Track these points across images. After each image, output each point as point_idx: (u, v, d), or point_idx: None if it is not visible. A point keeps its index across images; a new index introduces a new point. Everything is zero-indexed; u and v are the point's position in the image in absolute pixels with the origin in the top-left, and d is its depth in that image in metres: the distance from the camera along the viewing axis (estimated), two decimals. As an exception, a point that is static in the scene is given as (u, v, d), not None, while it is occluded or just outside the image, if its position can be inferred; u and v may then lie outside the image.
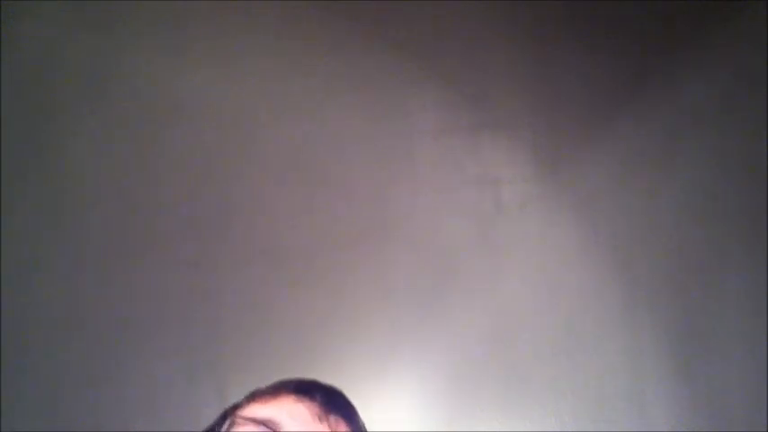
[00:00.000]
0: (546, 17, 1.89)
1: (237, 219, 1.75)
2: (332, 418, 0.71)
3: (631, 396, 1.65)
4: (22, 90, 1.79)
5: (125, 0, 1.86)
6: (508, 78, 1.86)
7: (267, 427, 0.66)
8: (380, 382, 1.67)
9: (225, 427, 0.69)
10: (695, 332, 1.69)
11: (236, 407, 0.73)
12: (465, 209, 1.78)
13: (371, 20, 1.89)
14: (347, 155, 1.81)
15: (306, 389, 0.74)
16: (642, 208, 1.78)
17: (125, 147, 1.78)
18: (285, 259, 1.73)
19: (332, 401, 0.74)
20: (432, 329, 1.70)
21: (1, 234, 1.66)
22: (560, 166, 1.81)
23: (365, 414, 1.65)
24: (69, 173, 1.76)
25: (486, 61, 1.87)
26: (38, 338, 1.60)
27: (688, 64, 1.87)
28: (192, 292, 1.68)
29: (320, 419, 0.70)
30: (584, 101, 1.85)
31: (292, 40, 1.88)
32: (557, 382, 1.66)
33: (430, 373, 1.67)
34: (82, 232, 1.71)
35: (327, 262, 1.72)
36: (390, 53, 1.87)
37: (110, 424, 1.50)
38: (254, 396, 0.74)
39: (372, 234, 1.76)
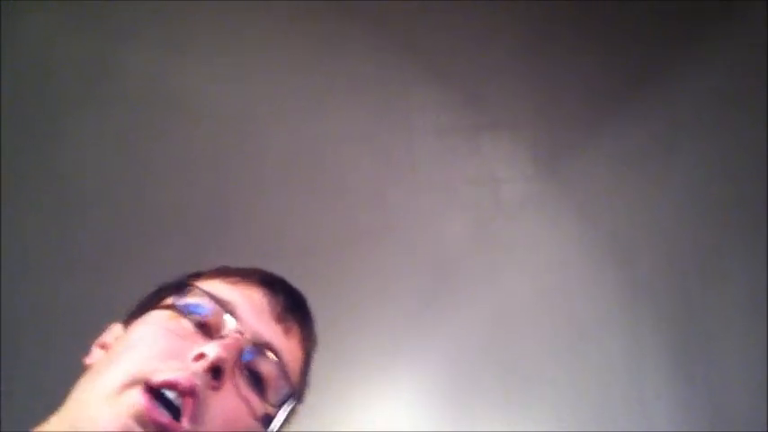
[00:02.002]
0: (546, 17, 1.89)
1: (237, 218, 1.75)
2: (289, 320, 0.68)
3: (631, 396, 1.65)
4: (22, 89, 1.79)
5: (125, 0, 1.86)
6: (508, 78, 1.86)
7: (223, 308, 0.63)
8: (380, 382, 1.67)
9: (180, 295, 0.65)
10: (695, 332, 1.69)
11: (197, 275, 0.70)
12: (465, 209, 1.78)
13: (371, 19, 1.89)
14: (347, 155, 1.81)
15: (273, 284, 0.70)
16: (642, 208, 1.78)
17: (125, 146, 1.78)
18: (285, 259, 1.72)
19: (293, 304, 0.70)
20: (432, 329, 1.70)
21: (1, 234, 1.66)
22: (560, 165, 1.81)
23: (365, 414, 1.65)
24: (69, 173, 1.75)
25: (486, 61, 1.88)
26: (37, 338, 1.60)
27: (688, 64, 1.87)
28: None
29: (277, 320, 0.66)
30: (584, 101, 1.85)
31: (292, 40, 1.88)
32: (557, 381, 1.66)
33: (430, 373, 1.67)
34: (81, 232, 1.71)
35: (327, 262, 1.72)
36: (390, 53, 1.87)
37: (110, 424, 1.50)
38: (220, 272, 0.70)
39: (372, 234, 1.76)
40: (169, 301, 0.66)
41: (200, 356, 0.59)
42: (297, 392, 0.67)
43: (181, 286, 0.67)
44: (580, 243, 1.76)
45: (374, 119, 1.84)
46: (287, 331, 0.67)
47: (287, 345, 0.67)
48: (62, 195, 1.74)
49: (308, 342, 0.72)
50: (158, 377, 0.57)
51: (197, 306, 0.64)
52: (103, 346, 0.68)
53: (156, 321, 0.64)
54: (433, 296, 1.72)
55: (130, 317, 0.68)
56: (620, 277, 1.73)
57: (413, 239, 1.76)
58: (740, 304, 1.70)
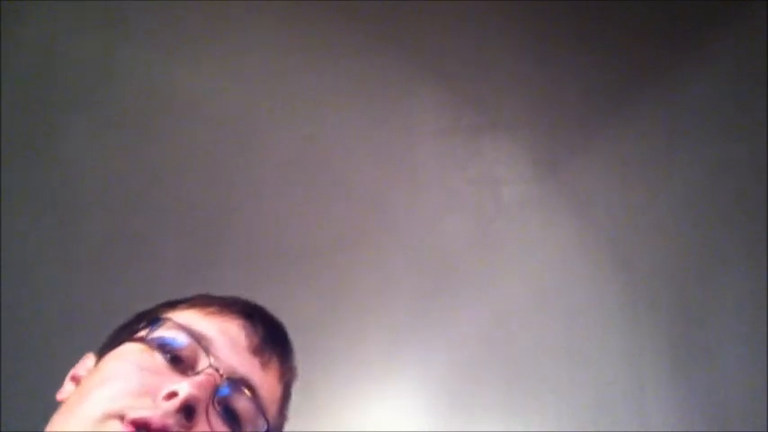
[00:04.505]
0: (546, 17, 1.89)
1: (237, 219, 1.75)
2: (266, 353, 0.66)
3: (631, 396, 1.65)
4: (22, 90, 1.78)
5: (125, 0, 1.86)
6: (508, 78, 1.86)
7: (198, 342, 0.61)
8: (380, 382, 1.67)
9: (154, 327, 0.63)
10: (695, 332, 1.69)
11: (173, 305, 0.68)
12: (465, 209, 1.78)
13: (372, 19, 1.89)
14: (347, 155, 1.81)
15: (251, 314, 0.68)
16: (642, 208, 1.78)
17: (125, 146, 1.78)
18: (285, 259, 1.73)
19: (272, 336, 0.68)
20: (432, 329, 1.70)
21: (1, 234, 1.66)
22: (560, 166, 1.81)
23: (365, 414, 1.65)
24: (69, 173, 1.75)
25: (486, 61, 1.87)
26: (37, 338, 1.60)
27: (688, 64, 1.86)
28: (191, 291, 1.67)
29: (254, 353, 0.64)
30: (584, 101, 1.85)
31: (292, 40, 1.88)
32: (557, 382, 1.66)
33: (430, 373, 1.67)
34: (81, 232, 1.71)
35: (327, 262, 1.72)
36: (390, 53, 1.87)
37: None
38: (197, 302, 0.68)
39: (372, 234, 1.76)
40: (142, 333, 0.64)
41: (172, 395, 0.57)
42: (274, 427, 0.65)
43: (155, 318, 0.65)
44: (580, 244, 1.76)
45: (374, 119, 1.84)
46: (265, 364, 0.65)
47: (264, 378, 0.65)
48: (62, 195, 1.74)
49: (287, 374, 0.69)
50: (130, 415, 0.56)
51: (171, 340, 0.62)
52: (76, 380, 0.66)
53: (128, 356, 0.62)
54: (433, 296, 1.72)
55: (104, 348, 0.67)
56: (620, 277, 1.73)
57: (413, 239, 1.76)
58: (740, 305, 1.70)
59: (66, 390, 0.66)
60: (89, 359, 0.68)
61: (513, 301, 1.72)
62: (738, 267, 1.73)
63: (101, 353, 0.67)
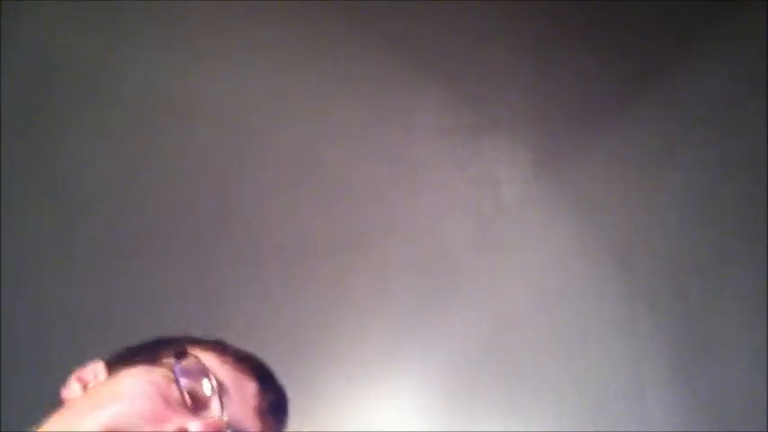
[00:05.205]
0: (546, 17, 1.89)
1: (237, 219, 1.75)
2: (270, 420, 0.67)
3: (631, 396, 1.65)
4: (22, 90, 1.78)
5: (125, 0, 1.86)
6: (508, 78, 1.86)
7: (216, 387, 0.62)
8: (380, 383, 1.67)
9: (179, 359, 0.64)
10: (695, 332, 1.69)
11: (195, 342, 0.69)
12: (465, 209, 1.78)
13: (372, 19, 1.89)
14: (347, 155, 1.81)
15: (265, 381, 0.70)
16: (642, 208, 1.78)
17: (125, 146, 1.78)
18: (285, 259, 1.73)
19: (277, 407, 0.70)
20: (431, 329, 1.70)
21: (1, 234, 1.66)
22: (560, 165, 1.81)
23: (365, 414, 1.65)
24: (69, 173, 1.75)
25: (486, 61, 1.87)
26: (38, 338, 1.60)
27: (688, 64, 1.86)
28: (191, 292, 1.67)
29: (260, 416, 0.66)
30: (584, 101, 1.85)
31: (292, 40, 1.88)
32: (557, 382, 1.66)
33: (430, 373, 1.67)
34: (81, 232, 1.71)
35: (327, 262, 1.72)
36: (390, 53, 1.87)
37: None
38: (220, 348, 0.70)
39: (372, 234, 1.76)
40: (166, 360, 0.65)
41: (182, 431, 0.58)
42: None
43: (180, 350, 0.66)
44: (580, 244, 1.76)
45: (374, 119, 1.84)
46: (265, 429, 0.67)
47: None
48: (62, 195, 1.74)
49: None
50: None
51: (192, 375, 0.63)
52: (83, 383, 0.67)
53: (147, 378, 0.63)
54: (433, 296, 1.72)
55: (117, 361, 0.68)
56: (620, 277, 1.73)
57: (413, 239, 1.76)
58: (740, 304, 1.70)
59: (73, 390, 0.67)
60: (99, 366, 0.68)
61: (513, 301, 1.72)
62: (739, 267, 1.73)
63: (113, 365, 0.68)
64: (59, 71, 1.82)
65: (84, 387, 0.66)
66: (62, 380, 0.69)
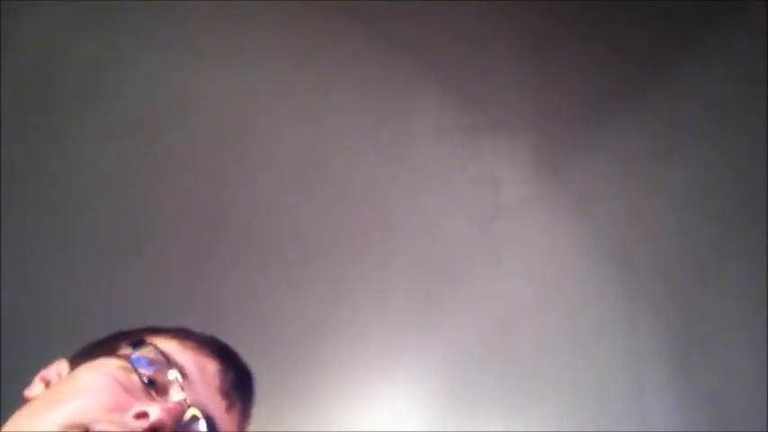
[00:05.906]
0: (546, 17, 1.89)
1: (237, 219, 1.75)
2: (233, 398, 0.68)
3: (631, 396, 1.65)
4: (22, 90, 1.78)
5: (125, 0, 1.86)
6: (508, 78, 1.86)
7: (178, 371, 0.63)
8: (380, 382, 1.67)
9: (136, 348, 0.64)
10: (695, 332, 1.69)
11: (155, 331, 0.70)
12: (465, 209, 1.78)
13: (371, 19, 1.89)
14: (347, 154, 1.81)
15: (227, 359, 0.71)
16: (642, 208, 1.78)
17: (124, 147, 1.78)
18: (285, 259, 1.73)
19: (241, 383, 0.71)
20: (431, 329, 1.70)
21: (1, 234, 1.66)
22: (560, 166, 1.81)
23: (366, 414, 1.65)
24: (69, 173, 1.75)
25: (486, 61, 1.87)
26: (38, 338, 1.60)
27: (688, 63, 1.86)
28: (191, 292, 1.67)
29: (223, 395, 0.67)
30: (584, 101, 1.85)
31: (292, 40, 1.88)
32: (557, 382, 1.66)
33: (429, 373, 1.67)
34: (81, 232, 1.71)
35: (327, 262, 1.72)
36: (390, 53, 1.87)
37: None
38: (176, 334, 0.70)
39: (372, 234, 1.76)
40: (124, 351, 0.66)
41: (142, 415, 0.58)
42: None
43: (138, 339, 0.67)
44: (580, 243, 1.76)
45: (374, 119, 1.84)
46: (229, 407, 0.68)
47: (226, 420, 0.67)
48: (62, 195, 1.74)
49: (245, 420, 0.72)
50: (95, 428, 0.57)
51: (152, 364, 0.64)
52: (46, 382, 0.68)
53: (105, 370, 0.63)
54: (433, 296, 1.72)
55: (78, 357, 0.69)
56: (620, 277, 1.73)
57: (413, 239, 1.76)
58: (740, 304, 1.70)
59: (35, 389, 0.68)
60: (62, 364, 0.70)
61: (512, 301, 1.72)
62: (739, 267, 1.73)
63: (75, 361, 0.68)
64: (59, 71, 1.82)
65: (47, 385, 0.67)
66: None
